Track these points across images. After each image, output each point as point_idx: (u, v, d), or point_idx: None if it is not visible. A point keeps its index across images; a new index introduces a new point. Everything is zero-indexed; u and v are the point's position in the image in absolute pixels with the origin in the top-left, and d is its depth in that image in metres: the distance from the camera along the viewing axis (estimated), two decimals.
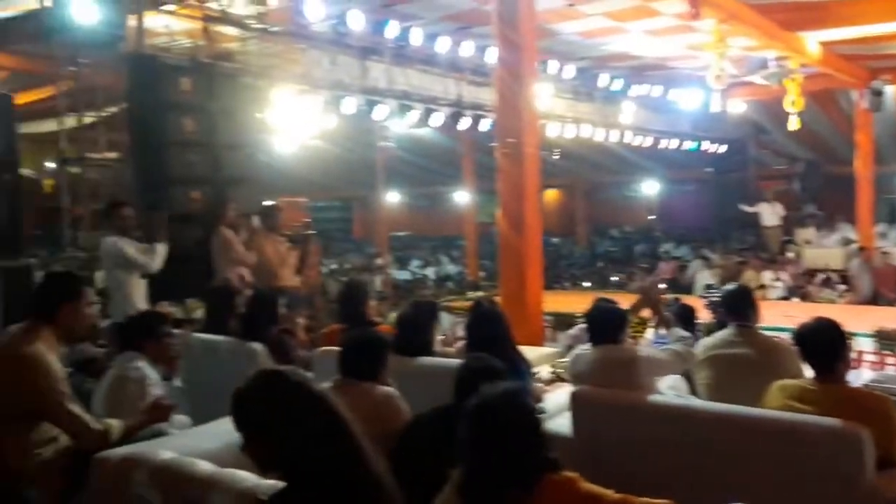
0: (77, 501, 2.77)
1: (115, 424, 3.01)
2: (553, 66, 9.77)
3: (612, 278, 14.99)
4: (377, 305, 5.19)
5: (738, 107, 12.80)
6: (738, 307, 3.66)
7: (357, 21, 7.42)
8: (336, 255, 18.07)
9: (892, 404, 2.83)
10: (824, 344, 2.87)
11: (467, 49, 8.59)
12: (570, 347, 5.16)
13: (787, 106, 9.34)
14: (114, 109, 7.01)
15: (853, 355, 6.15)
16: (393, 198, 22.35)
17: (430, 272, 17.40)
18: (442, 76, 9.00)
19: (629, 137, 12.54)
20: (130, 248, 5.16)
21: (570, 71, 10.09)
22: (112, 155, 6.88)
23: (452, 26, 8.15)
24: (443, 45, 8.39)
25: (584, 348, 3.32)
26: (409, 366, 3.63)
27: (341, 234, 24.15)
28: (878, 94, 11.28)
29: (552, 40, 8.60)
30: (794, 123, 9.71)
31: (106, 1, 5.26)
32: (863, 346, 6.63)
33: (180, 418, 3.43)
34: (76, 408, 2.97)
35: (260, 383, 1.92)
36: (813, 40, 9.06)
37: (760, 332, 3.67)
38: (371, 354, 2.99)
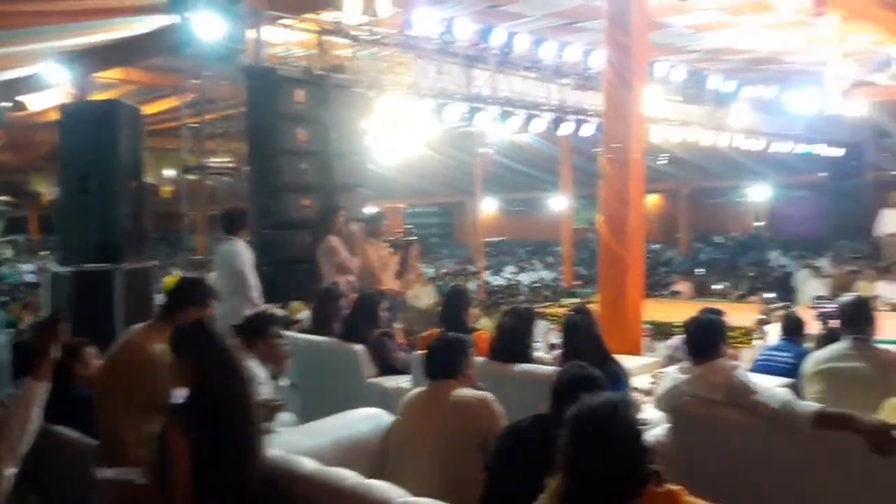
0: None
1: None
2: (662, 68, 9.57)
3: (715, 287, 14.50)
4: (476, 311, 5.25)
5: (857, 108, 12.10)
6: (855, 319, 3.51)
7: (464, 29, 7.54)
8: (434, 260, 18.31)
9: None
10: None
11: (572, 53, 8.54)
12: (670, 358, 5.08)
13: None
14: (232, 120, 7.39)
15: None
16: (490, 203, 22.45)
17: (523, 278, 17.38)
18: (545, 81, 8.99)
19: (739, 140, 12.12)
20: (248, 268, 5.36)
21: (679, 72, 9.86)
22: (230, 163, 7.25)
23: (558, 23, 8.07)
24: (548, 50, 8.38)
25: (677, 375, 3.23)
26: (507, 372, 3.67)
27: (440, 240, 24.44)
28: None
29: (662, 33, 8.39)
30: None
31: (227, 16, 5.55)
32: None
33: (286, 416, 3.58)
34: None
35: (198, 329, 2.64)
36: None
37: (877, 346, 3.51)
38: (451, 353, 3.05)
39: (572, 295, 13.27)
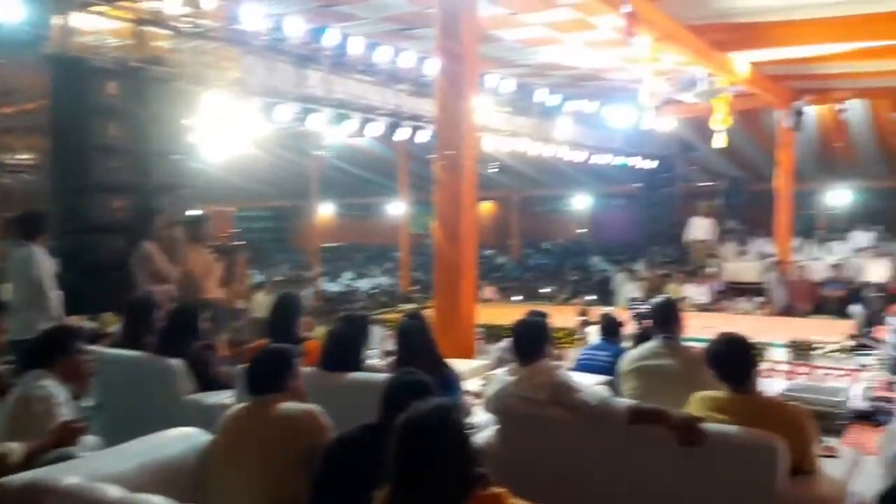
0: None
1: (15, 448, 2.82)
2: (492, 79, 9.87)
3: (543, 290, 15.21)
4: (308, 321, 5.07)
5: (668, 124, 13.18)
6: (664, 320, 3.74)
7: (295, 27, 7.33)
8: (266, 266, 17.76)
9: (806, 414, 2.93)
10: (734, 358, 2.98)
11: (407, 59, 8.58)
12: (500, 360, 5.20)
13: (714, 124, 9.65)
14: (34, 113, 6.72)
15: (768, 365, 6.45)
16: (327, 208, 22.13)
17: (361, 284, 17.29)
18: (381, 86, 8.96)
19: (564, 152, 12.77)
20: (46, 276, 4.88)
21: (508, 84, 10.20)
22: (30, 160, 6.58)
23: (392, 28, 8.10)
24: (383, 55, 8.35)
25: (504, 377, 3.30)
26: (338, 382, 3.56)
27: (274, 245, 23.74)
28: (799, 113, 11.79)
29: (494, 46, 8.67)
30: (720, 141, 10.03)
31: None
32: (777, 356, 6.90)
33: (90, 439, 3.25)
34: None
35: None
36: (743, 60, 9.40)
37: (684, 344, 3.76)
38: (275, 366, 2.91)
39: (410, 300, 13.35)
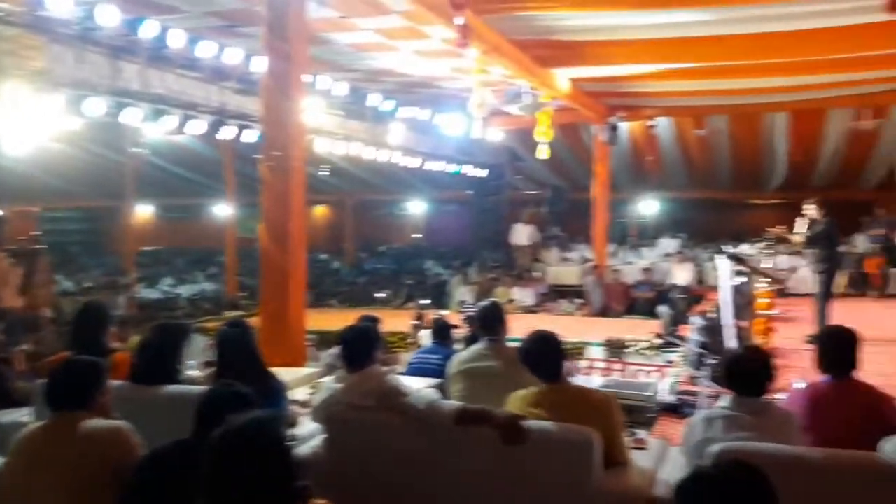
0: None
1: None
2: (324, 81, 9.71)
3: (378, 295, 15.22)
4: (117, 331, 4.67)
5: (496, 134, 13.67)
6: (489, 322, 3.84)
7: (108, 17, 6.77)
8: (77, 271, 16.38)
9: (613, 400, 3.11)
10: (543, 353, 3.12)
11: (233, 56, 8.22)
12: (330, 367, 5.10)
13: (538, 136, 10.12)
14: None
15: (587, 363, 6.84)
16: (145, 209, 20.83)
17: (183, 290, 16.45)
18: (204, 82, 8.53)
19: (397, 157, 12.85)
20: None
21: (341, 88, 10.09)
22: None
23: (218, 25, 7.74)
24: (206, 50, 7.95)
25: (332, 385, 3.25)
26: (150, 396, 3.32)
27: (85, 249, 21.95)
28: (614, 128, 12.67)
29: (326, 49, 8.54)
30: (543, 152, 10.53)
31: None
32: (594, 354, 7.34)
33: None
34: None
35: None
36: (563, 76, 9.93)
37: (508, 345, 3.87)
38: (79, 379, 2.68)
39: (237, 307, 12.88)
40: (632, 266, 15.27)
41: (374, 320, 4.55)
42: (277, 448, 1.88)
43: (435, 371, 4.60)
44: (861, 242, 13.12)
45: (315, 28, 7.19)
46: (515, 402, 3.05)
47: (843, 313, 9.13)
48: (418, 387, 3.61)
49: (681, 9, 7.00)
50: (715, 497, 1.61)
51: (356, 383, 3.10)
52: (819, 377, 3.13)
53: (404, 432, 2.99)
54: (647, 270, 14.28)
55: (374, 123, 11.76)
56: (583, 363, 7.22)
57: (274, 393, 3.46)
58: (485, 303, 4.19)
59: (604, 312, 13.25)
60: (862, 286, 12.25)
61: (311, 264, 17.90)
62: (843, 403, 2.97)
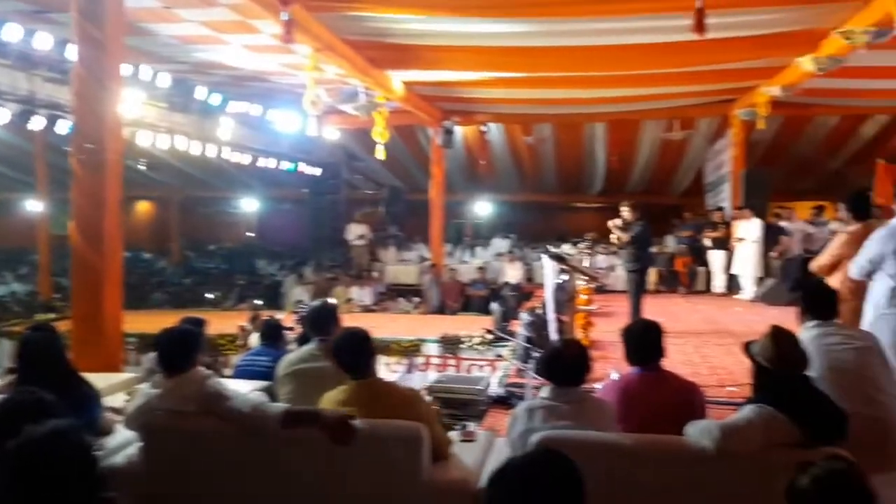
0: None
1: None
2: (146, 72, 9.15)
3: (208, 296, 14.61)
4: None
5: (332, 133, 13.55)
6: (319, 323, 3.80)
7: None
8: None
9: (418, 396, 3.16)
10: (353, 350, 3.09)
11: (43, 42, 7.54)
12: (150, 371, 4.82)
13: (375, 136, 10.15)
14: None
15: (423, 359, 6.96)
16: None
17: None
18: (10, 68, 7.81)
19: (227, 153, 12.38)
20: None
21: (164, 79, 9.55)
22: None
23: (27, 10, 7.11)
24: (12, 34, 7.24)
25: (149, 391, 3.07)
26: None
27: None
28: (449, 132, 12.98)
29: (148, 40, 8.05)
30: (380, 153, 10.58)
31: None
32: (430, 350, 7.50)
33: None
34: None
35: None
36: (398, 79, 10.01)
37: None
38: None
39: (50, 309, 11.89)
40: (467, 265, 15.72)
41: (199, 322, 4.36)
42: (79, 459, 1.78)
43: (264, 374, 4.48)
44: (671, 243, 14.28)
45: (135, 17, 6.79)
46: (327, 402, 3.02)
47: (655, 308, 9.94)
48: (244, 390, 3.50)
49: (504, 19, 7.29)
50: (522, 485, 1.65)
51: (174, 388, 2.95)
52: (630, 368, 3.29)
53: (227, 438, 2.89)
54: (481, 269, 14.77)
55: (202, 117, 11.26)
56: (420, 359, 7.35)
57: (85, 400, 3.23)
58: (315, 303, 4.14)
59: (441, 310, 13.54)
60: (672, 283, 13.33)
61: (133, 263, 16.93)
62: (652, 392, 3.14)
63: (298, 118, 11.60)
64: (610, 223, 8.43)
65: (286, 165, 14.70)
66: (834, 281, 4.78)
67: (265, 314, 7.77)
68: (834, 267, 4.91)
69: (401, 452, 2.81)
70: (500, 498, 1.66)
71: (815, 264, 5.16)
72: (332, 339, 3.73)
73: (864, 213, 5.01)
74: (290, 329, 5.37)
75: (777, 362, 2.83)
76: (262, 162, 13.76)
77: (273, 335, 4.91)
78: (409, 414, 2.90)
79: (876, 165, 13.31)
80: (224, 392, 2.93)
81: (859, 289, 4.70)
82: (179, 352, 3.02)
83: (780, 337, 2.89)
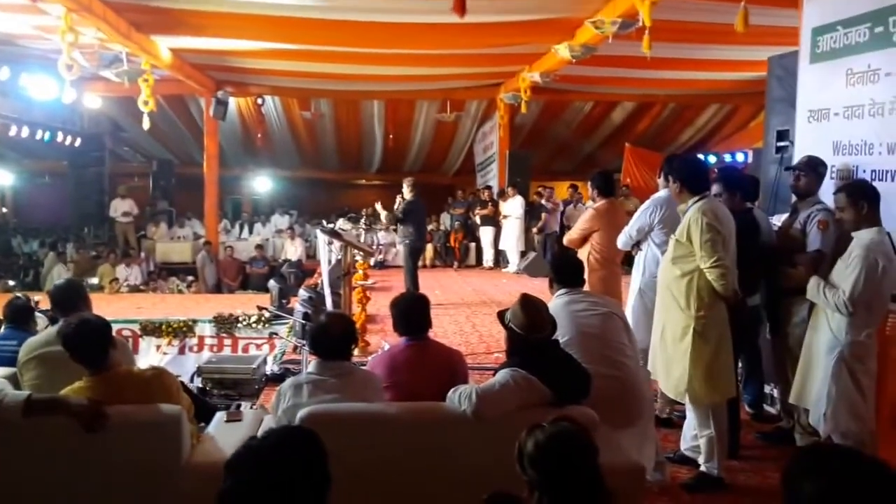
0: None
1: None
2: None
3: None
4: None
5: (94, 101, 12.43)
6: (65, 303, 3.62)
7: None
8: None
9: (161, 372, 3.05)
10: (84, 342, 2.89)
11: None
12: None
13: (141, 105, 9.49)
14: None
15: (196, 340, 6.75)
16: None
17: None
18: None
19: None
20: None
21: None
22: None
23: None
24: None
25: None
26: None
27: None
28: (222, 103, 12.46)
29: None
30: (146, 123, 9.91)
31: None
32: (204, 330, 7.28)
33: None
34: None
35: None
36: (164, 45, 9.42)
37: None
38: None
39: None
40: (245, 242, 15.31)
41: None
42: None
43: (9, 359, 4.09)
44: (446, 220, 14.97)
45: None
46: (70, 392, 2.84)
47: (430, 281, 10.45)
48: None
49: None
50: (256, 465, 1.66)
51: None
52: (399, 339, 3.40)
53: None
54: (259, 247, 14.46)
55: None
56: (193, 340, 7.07)
57: None
58: (59, 282, 3.85)
59: (217, 289, 13.12)
60: (446, 258, 14.02)
61: None
62: (419, 361, 3.26)
63: (55, 84, 10.47)
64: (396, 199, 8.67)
65: (42, 135, 13.26)
66: (583, 252, 5.34)
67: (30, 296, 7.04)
68: (584, 240, 5.39)
69: (160, 436, 2.75)
70: (234, 479, 1.66)
71: (567, 238, 5.68)
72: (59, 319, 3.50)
73: (608, 190, 5.54)
74: (47, 312, 4.90)
75: (527, 328, 2.99)
76: (14, 131, 12.33)
77: (19, 317, 4.44)
78: (162, 397, 2.84)
79: (624, 149, 14.97)
80: None
81: (607, 260, 5.31)
82: None
83: (528, 304, 3.05)
